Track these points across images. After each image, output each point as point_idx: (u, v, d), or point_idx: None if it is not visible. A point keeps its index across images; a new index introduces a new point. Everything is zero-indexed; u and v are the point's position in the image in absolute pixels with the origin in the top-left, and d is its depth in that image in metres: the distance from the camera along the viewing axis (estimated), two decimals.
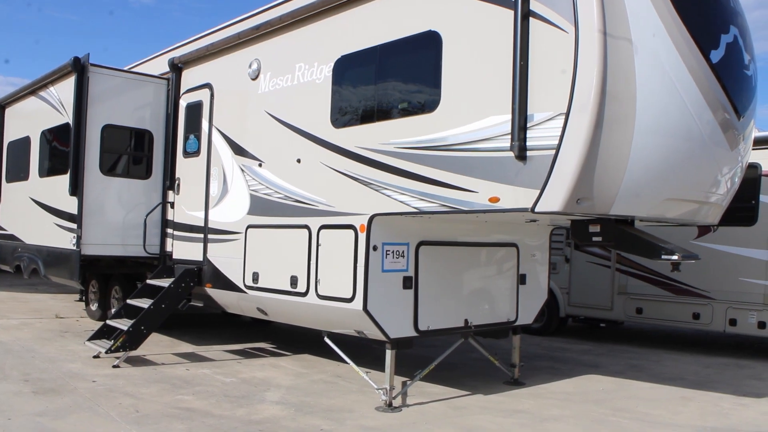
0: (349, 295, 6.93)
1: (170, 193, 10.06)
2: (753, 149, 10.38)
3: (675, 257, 6.14)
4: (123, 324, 8.87)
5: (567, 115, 5.38)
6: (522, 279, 8.31)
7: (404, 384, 7.40)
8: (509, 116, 5.70)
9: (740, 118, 6.17)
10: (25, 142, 12.01)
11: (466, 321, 7.64)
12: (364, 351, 8.05)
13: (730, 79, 5.98)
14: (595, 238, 6.55)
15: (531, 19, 5.66)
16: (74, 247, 9.65)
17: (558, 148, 5.42)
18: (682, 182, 5.93)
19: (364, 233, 6.83)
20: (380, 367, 7.29)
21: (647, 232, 6.59)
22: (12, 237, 12.60)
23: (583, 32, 5.34)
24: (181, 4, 60.47)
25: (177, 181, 9.89)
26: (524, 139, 5.61)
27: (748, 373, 9.59)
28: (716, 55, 5.85)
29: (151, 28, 58.44)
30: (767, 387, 8.68)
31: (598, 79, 5.28)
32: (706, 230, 10.72)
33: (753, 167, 10.40)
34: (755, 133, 10.68)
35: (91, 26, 56.28)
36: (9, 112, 13.23)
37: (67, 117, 10.11)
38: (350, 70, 7.30)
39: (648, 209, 5.96)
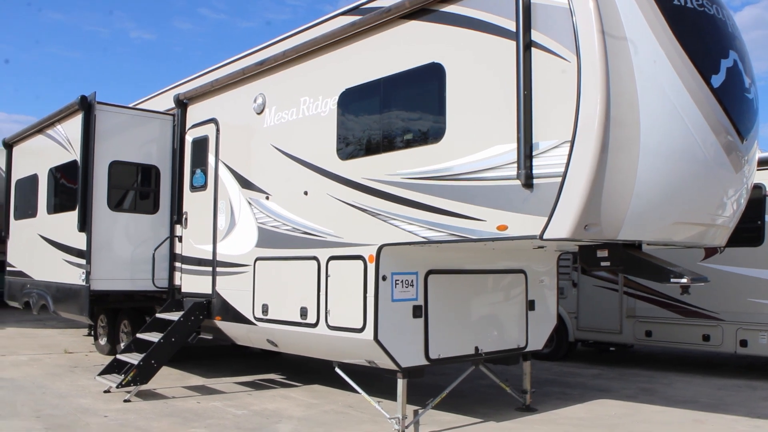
0: (360, 325, 6.95)
1: (178, 227, 10.13)
2: (758, 170, 10.49)
3: (684, 280, 6.16)
4: (133, 358, 8.89)
5: (572, 142, 5.45)
6: (531, 305, 8.32)
7: (416, 413, 7.38)
8: (514, 145, 5.78)
9: (743, 140, 6.23)
10: (33, 179, 12.12)
11: (476, 348, 7.64)
12: (375, 380, 8.04)
13: (732, 102, 6.05)
14: (603, 263, 6.57)
15: (533, 49, 5.76)
16: (84, 283, 9.70)
17: (564, 175, 5.48)
18: (688, 205, 5.97)
19: (373, 263, 6.86)
20: (391, 396, 7.28)
21: (655, 256, 6.62)
22: (21, 273, 12.66)
23: (585, 61, 5.43)
24: (182, 38, 61.25)
25: (184, 215, 9.96)
26: (530, 167, 5.68)
27: (762, 394, 9.53)
28: (717, 80, 5.92)
29: (152, 63, 59.12)
30: None
31: (602, 105, 5.36)
32: (713, 252, 10.73)
33: (758, 188, 10.44)
34: (759, 155, 10.79)
35: (94, 63, 57.01)
36: (17, 150, 13.37)
37: (75, 154, 10.22)
38: (355, 103, 7.41)
39: (656, 233, 5.99)
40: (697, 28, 5.99)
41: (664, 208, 5.79)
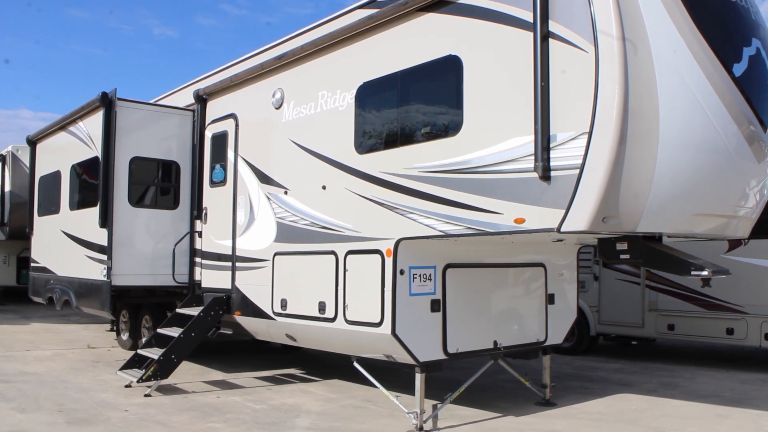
0: (378, 320, 6.94)
1: (198, 222, 10.18)
2: None
3: (705, 273, 6.07)
4: (154, 353, 8.96)
5: (590, 133, 5.38)
6: (550, 299, 8.26)
7: (435, 407, 7.34)
8: (532, 137, 5.72)
9: (766, 130, 6.13)
10: (56, 176, 12.25)
11: (495, 342, 7.60)
12: (394, 375, 8.03)
13: (754, 91, 5.95)
14: (622, 256, 6.50)
15: (550, 40, 5.70)
16: (105, 278, 9.79)
17: (582, 167, 5.42)
18: (709, 197, 5.88)
19: (391, 257, 6.84)
20: (410, 390, 7.26)
21: (675, 248, 6.53)
22: (44, 269, 12.83)
23: (603, 51, 5.36)
24: (204, 34, 61.61)
25: (204, 211, 10.02)
26: (548, 160, 5.63)
27: None
28: (739, 69, 5.82)
29: (174, 60, 59.59)
30: None
31: (620, 96, 5.29)
32: (737, 244, 10.57)
33: None
34: None
35: (117, 60, 57.56)
36: (40, 147, 13.53)
37: (96, 151, 10.31)
38: (372, 97, 7.38)
39: (676, 225, 5.91)
40: (719, 16, 5.89)
41: (684, 200, 5.71)
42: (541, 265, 8.19)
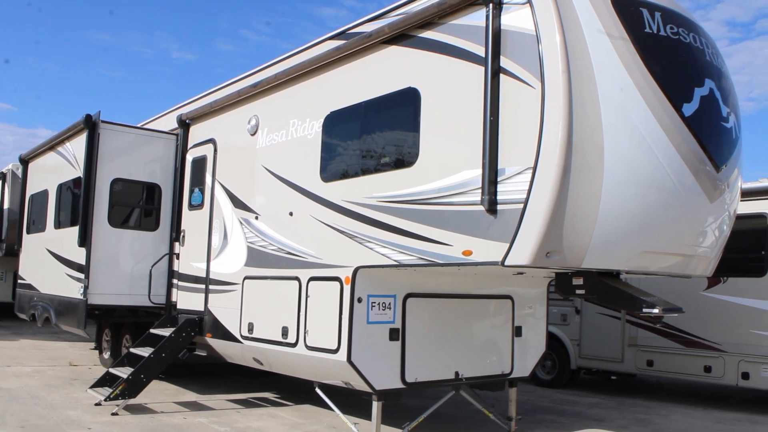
0: (335, 347, 6.98)
1: (176, 244, 10.29)
2: (760, 199, 10.33)
3: (656, 311, 6.07)
4: (124, 372, 9.02)
5: (534, 168, 5.45)
6: (518, 331, 8.25)
7: None
8: (480, 170, 5.79)
9: (719, 169, 6.14)
10: (44, 195, 12.44)
11: (456, 373, 7.60)
12: (365, 402, 8.04)
13: (706, 131, 5.98)
14: (578, 291, 6.52)
15: (501, 75, 5.79)
16: (81, 297, 9.89)
17: (526, 201, 5.48)
18: (657, 234, 5.90)
19: (349, 285, 6.90)
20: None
21: (630, 285, 6.54)
22: (29, 286, 12.97)
23: (549, 87, 5.44)
24: (223, 59, 62.39)
25: (182, 233, 10.13)
26: (494, 193, 5.69)
27: (761, 429, 9.28)
28: (689, 109, 5.87)
29: (192, 83, 60.32)
30: None
31: (564, 132, 5.35)
32: (716, 281, 10.53)
33: (761, 217, 10.25)
34: (764, 183, 10.61)
35: (137, 82, 58.40)
36: (32, 166, 13.75)
37: (80, 171, 10.47)
38: (338, 126, 7.50)
39: (624, 262, 5.93)
40: (669, 56, 5.96)
41: (630, 237, 5.73)
42: (509, 297, 8.20)
